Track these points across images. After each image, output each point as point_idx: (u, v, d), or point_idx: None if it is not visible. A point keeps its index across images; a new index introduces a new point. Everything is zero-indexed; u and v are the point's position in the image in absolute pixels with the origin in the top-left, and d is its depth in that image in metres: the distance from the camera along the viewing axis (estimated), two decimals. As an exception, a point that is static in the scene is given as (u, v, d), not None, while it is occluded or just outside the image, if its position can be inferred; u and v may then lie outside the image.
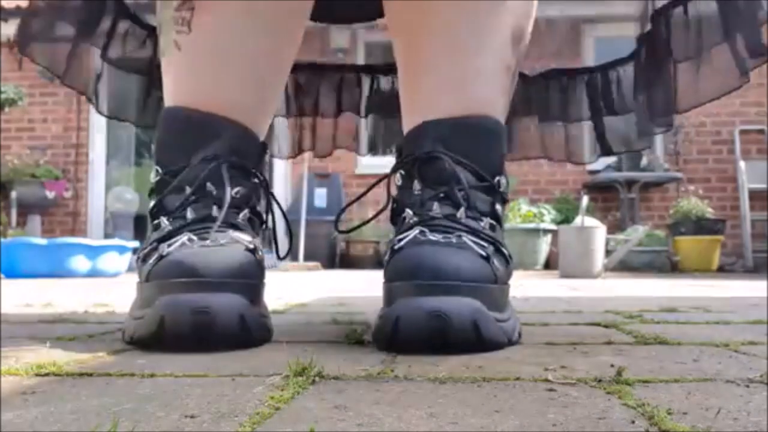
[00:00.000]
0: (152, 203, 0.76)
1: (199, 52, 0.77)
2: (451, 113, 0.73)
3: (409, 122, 0.78)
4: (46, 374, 0.53)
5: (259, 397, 0.45)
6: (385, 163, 0.97)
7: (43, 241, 4.04)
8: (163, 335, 0.63)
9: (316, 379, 0.51)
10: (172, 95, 0.79)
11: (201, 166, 0.73)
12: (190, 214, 0.72)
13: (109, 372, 0.54)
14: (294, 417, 0.40)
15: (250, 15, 0.76)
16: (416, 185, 0.72)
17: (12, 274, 3.82)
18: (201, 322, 0.62)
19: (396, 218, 0.75)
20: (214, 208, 0.72)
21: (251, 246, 0.71)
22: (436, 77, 0.76)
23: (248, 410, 0.41)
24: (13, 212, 5.56)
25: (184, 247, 0.68)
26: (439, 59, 0.75)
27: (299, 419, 0.39)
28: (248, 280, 0.68)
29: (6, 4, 5.97)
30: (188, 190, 0.72)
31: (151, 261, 0.70)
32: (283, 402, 0.43)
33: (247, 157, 0.77)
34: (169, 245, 0.69)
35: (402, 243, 0.67)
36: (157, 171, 0.76)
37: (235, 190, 0.73)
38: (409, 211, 0.71)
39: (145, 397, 0.45)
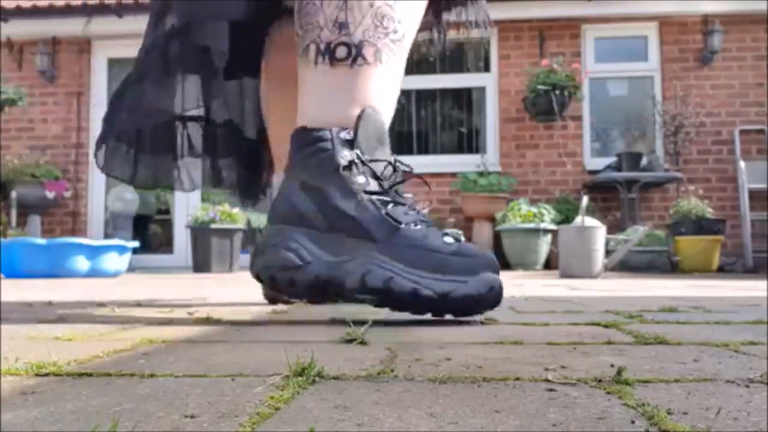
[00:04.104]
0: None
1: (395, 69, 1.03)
2: None
3: None
4: (46, 374, 0.53)
5: (259, 397, 0.45)
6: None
7: (43, 241, 4.04)
8: None
9: (316, 379, 0.51)
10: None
11: None
12: None
13: (109, 372, 0.54)
14: (294, 417, 0.40)
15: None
16: None
17: (12, 274, 3.82)
18: None
19: None
20: None
21: None
22: None
23: (248, 410, 0.41)
24: (13, 212, 5.56)
25: None
26: None
27: (299, 419, 0.39)
28: None
29: (6, 4, 5.97)
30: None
31: None
32: (283, 402, 0.43)
33: None
34: None
35: None
36: None
37: None
38: None
39: (145, 397, 0.45)
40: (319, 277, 0.92)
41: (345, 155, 0.94)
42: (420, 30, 1.18)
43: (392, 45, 1.00)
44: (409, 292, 0.88)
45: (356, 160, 0.94)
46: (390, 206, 0.94)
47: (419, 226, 0.93)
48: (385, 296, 0.89)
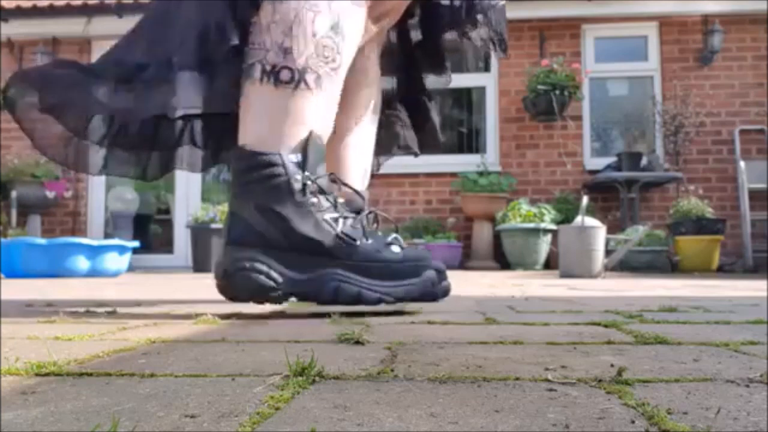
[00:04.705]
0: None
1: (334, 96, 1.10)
2: None
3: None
4: (46, 374, 0.53)
5: (259, 397, 0.45)
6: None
7: (43, 241, 4.04)
8: None
9: (317, 378, 0.51)
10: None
11: None
12: None
13: (109, 372, 0.54)
14: (294, 417, 0.40)
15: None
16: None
17: (12, 274, 3.82)
18: None
19: None
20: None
21: None
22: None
23: (248, 410, 0.41)
24: (14, 212, 5.56)
25: None
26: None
27: (299, 419, 0.39)
28: None
29: (6, 4, 5.98)
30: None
31: None
32: (283, 402, 0.43)
33: None
34: None
35: None
36: None
37: None
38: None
39: (145, 397, 0.45)
40: (293, 295, 1.05)
41: (298, 179, 1.04)
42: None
43: (331, 73, 1.08)
44: (375, 301, 1.05)
45: (308, 182, 1.04)
46: (341, 222, 1.06)
47: (370, 240, 1.08)
48: (356, 305, 1.06)
